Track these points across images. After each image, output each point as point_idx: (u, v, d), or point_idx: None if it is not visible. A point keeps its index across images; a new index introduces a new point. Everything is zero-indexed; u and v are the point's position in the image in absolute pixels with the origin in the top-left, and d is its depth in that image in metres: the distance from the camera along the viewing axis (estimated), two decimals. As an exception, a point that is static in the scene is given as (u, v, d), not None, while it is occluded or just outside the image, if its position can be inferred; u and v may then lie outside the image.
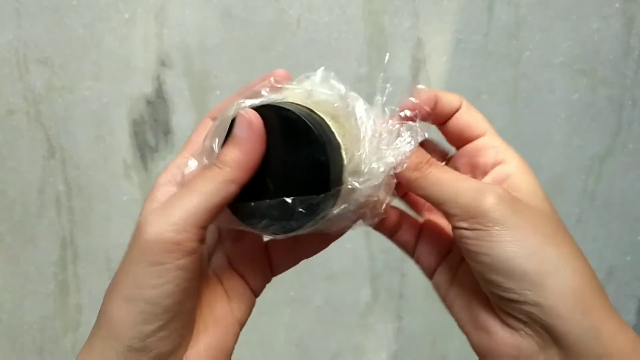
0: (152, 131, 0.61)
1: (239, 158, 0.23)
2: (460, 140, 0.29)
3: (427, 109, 0.28)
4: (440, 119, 0.29)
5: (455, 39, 0.60)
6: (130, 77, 0.60)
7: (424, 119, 0.28)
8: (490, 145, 0.28)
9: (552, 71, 0.61)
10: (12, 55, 0.59)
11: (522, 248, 0.23)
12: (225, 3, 0.59)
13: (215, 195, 0.22)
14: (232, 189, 0.23)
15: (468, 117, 0.28)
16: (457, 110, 0.28)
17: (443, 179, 0.25)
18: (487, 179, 0.27)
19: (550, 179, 0.63)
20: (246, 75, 0.60)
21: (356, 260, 0.64)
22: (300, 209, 0.23)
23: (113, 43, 0.59)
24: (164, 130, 0.61)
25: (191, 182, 0.23)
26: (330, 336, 0.67)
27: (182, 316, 0.23)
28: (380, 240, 0.69)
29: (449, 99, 0.28)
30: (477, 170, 0.28)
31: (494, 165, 0.27)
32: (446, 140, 0.30)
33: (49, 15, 0.59)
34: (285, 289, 0.65)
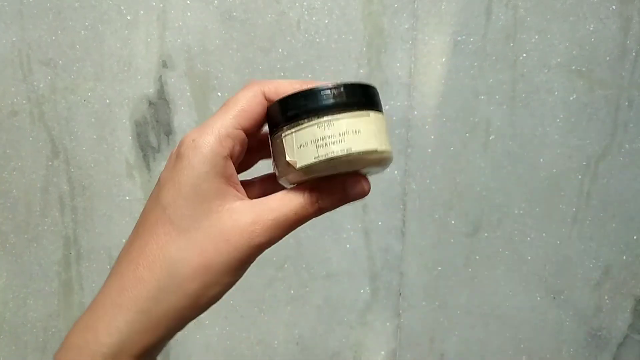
0: (154, 132, 0.62)
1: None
2: None
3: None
4: None
5: (453, 40, 0.61)
6: (133, 78, 0.60)
7: None
8: None
9: (550, 72, 0.62)
10: (16, 56, 0.60)
11: None
12: (226, 5, 0.59)
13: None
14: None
15: None
16: None
17: None
18: None
19: (547, 179, 0.64)
20: (247, 77, 0.61)
21: (355, 260, 0.65)
22: None
23: (115, 45, 0.60)
24: (166, 130, 0.62)
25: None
26: (330, 334, 0.67)
27: None
28: (380, 240, 0.70)
29: None
30: None
31: None
32: None
33: (52, 17, 0.59)
34: (285, 287, 0.65)
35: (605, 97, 0.63)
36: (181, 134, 0.62)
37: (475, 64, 0.61)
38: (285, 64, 0.60)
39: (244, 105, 0.27)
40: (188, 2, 0.59)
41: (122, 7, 0.59)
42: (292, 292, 0.66)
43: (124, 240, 0.71)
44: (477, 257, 0.65)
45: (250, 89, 0.27)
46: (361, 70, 0.61)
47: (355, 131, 0.25)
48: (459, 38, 0.61)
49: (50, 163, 0.62)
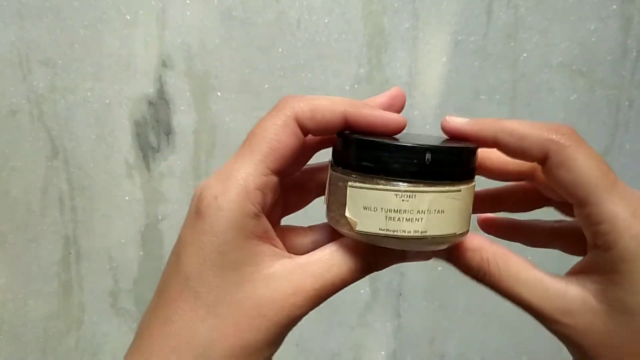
0: (154, 132, 0.62)
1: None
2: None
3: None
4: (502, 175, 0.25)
5: (454, 39, 0.61)
6: (132, 78, 0.60)
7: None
8: (591, 220, 0.21)
9: (550, 72, 0.61)
10: (15, 56, 0.59)
11: None
12: (226, 4, 0.59)
13: None
14: None
15: (562, 176, 0.21)
16: (541, 162, 0.22)
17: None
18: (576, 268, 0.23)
19: (548, 179, 0.64)
20: (246, 76, 0.60)
21: (356, 259, 0.65)
22: None
23: (114, 44, 0.59)
24: (166, 130, 0.62)
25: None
26: (330, 335, 0.67)
27: None
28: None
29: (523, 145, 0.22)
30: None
31: (591, 247, 0.22)
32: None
33: (51, 17, 0.59)
34: (285, 287, 0.65)
35: (606, 97, 0.62)
36: (181, 133, 0.61)
37: (475, 63, 0.61)
38: (285, 64, 0.60)
39: (273, 142, 0.21)
40: (187, 1, 0.59)
41: (121, 7, 0.59)
42: (292, 292, 0.65)
43: (123, 241, 0.71)
44: (478, 257, 0.64)
45: (278, 116, 0.22)
46: (361, 70, 0.61)
47: (438, 211, 0.21)
48: (459, 37, 0.60)
49: (49, 163, 0.61)
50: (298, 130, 0.22)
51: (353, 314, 0.66)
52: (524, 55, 0.61)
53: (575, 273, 0.23)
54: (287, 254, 0.23)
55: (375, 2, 0.60)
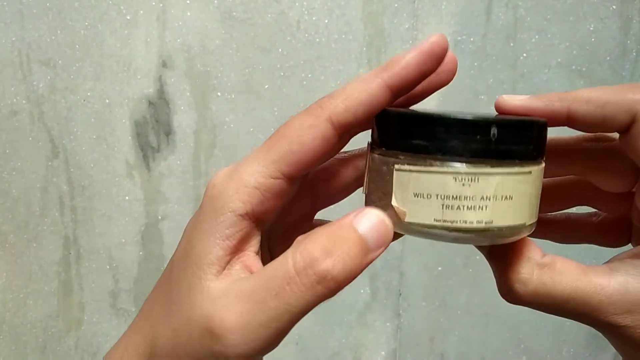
0: (154, 132, 0.62)
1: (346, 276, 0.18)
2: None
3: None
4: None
5: (453, 40, 0.61)
6: (132, 78, 0.60)
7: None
8: None
9: (550, 72, 0.62)
10: (15, 56, 0.60)
11: None
12: (226, 5, 0.59)
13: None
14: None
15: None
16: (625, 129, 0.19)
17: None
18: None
19: (547, 179, 0.64)
20: (246, 76, 0.60)
21: (356, 259, 0.65)
22: None
23: (115, 44, 0.60)
24: (166, 130, 0.62)
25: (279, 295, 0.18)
26: (330, 334, 0.67)
27: None
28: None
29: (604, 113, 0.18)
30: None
31: None
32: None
33: (51, 17, 0.59)
34: (285, 287, 0.65)
35: (605, 97, 0.62)
36: (181, 133, 0.62)
37: (475, 63, 0.61)
38: (285, 64, 0.60)
39: (294, 144, 0.19)
40: (188, 1, 0.59)
41: (122, 7, 0.59)
42: (292, 292, 0.65)
43: (123, 241, 0.72)
44: (478, 257, 0.64)
45: (306, 117, 0.19)
46: (361, 70, 0.61)
47: (505, 197, 0.17)
48: (459, 38, 0.61)
49: (49, 163, 0.62)
50: (328, 133, 0.19)
51: (353, 314, 0.67)
52: (524, 55, 0.61)
53: (633, 257, 0.20)
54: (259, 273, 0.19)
55: (375, 3, 0.60)
